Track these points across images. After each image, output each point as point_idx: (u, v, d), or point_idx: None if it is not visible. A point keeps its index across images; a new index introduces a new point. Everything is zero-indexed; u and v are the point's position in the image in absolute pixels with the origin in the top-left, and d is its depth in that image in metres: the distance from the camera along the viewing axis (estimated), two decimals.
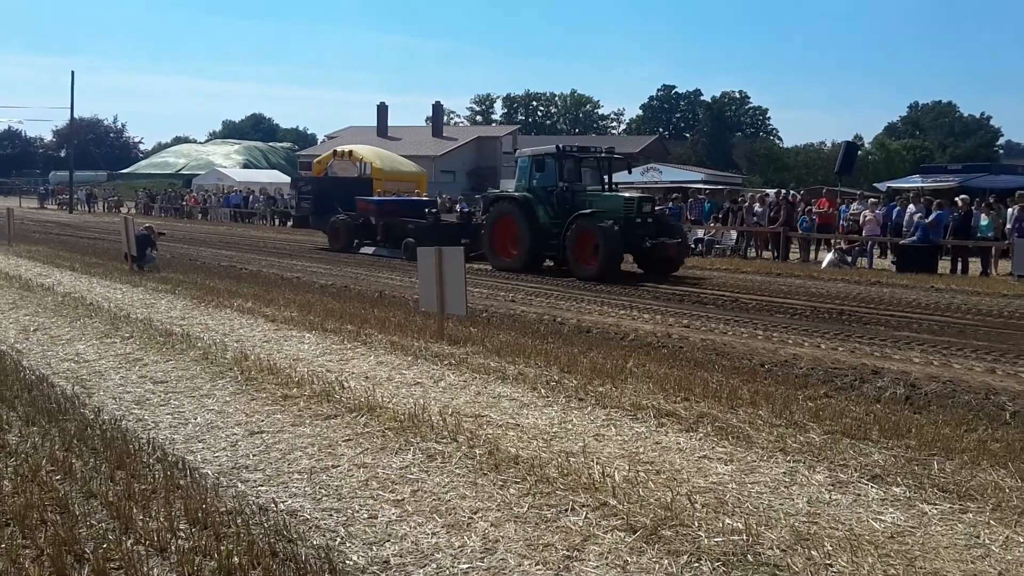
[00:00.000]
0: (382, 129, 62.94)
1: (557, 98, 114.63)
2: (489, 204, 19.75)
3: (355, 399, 6.83)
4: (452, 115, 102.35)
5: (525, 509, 4.62)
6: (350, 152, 30.05)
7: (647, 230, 16.93)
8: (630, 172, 20.32)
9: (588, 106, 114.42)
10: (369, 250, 22.47)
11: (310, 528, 4.41)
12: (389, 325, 10.38)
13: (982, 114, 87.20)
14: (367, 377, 7.74)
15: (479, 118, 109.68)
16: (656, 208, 18.79)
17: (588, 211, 16.78)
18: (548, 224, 17.51)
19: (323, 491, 4.93)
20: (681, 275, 17.28)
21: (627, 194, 19.37)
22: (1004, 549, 4.16)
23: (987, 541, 4.25)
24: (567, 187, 17.76)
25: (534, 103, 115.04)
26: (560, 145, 19.41)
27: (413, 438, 5.85)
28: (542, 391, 7.21)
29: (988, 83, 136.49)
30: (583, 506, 4.63)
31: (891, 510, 4.65)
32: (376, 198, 26.09)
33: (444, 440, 5.79)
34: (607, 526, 4.39)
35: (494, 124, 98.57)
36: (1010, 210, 19.53)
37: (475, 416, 6.46)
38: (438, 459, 5.44)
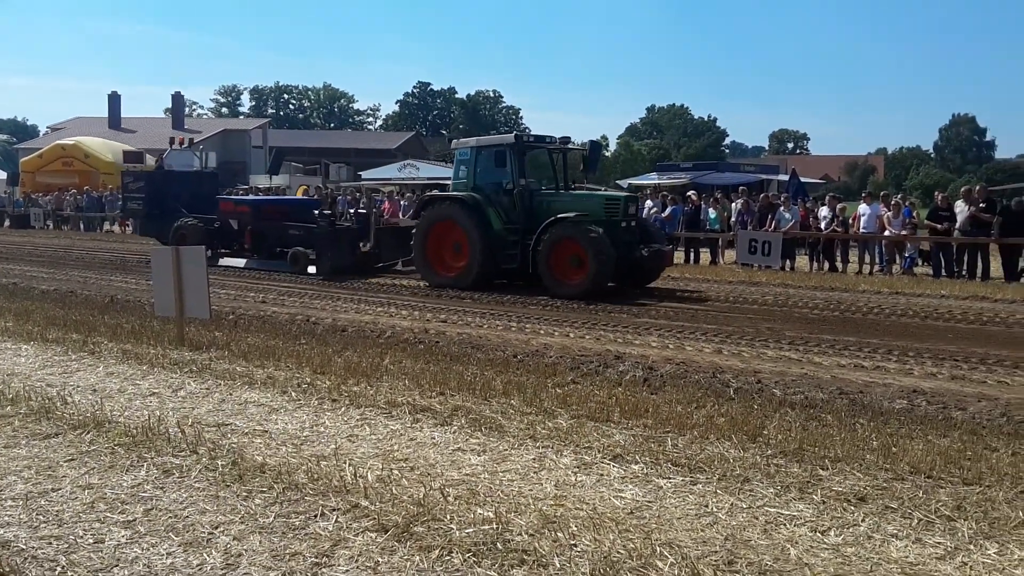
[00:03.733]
0: (114, 120, 58.23)
1: (310, 91, 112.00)
2: (422, 207, 15.98)
3: (80, 415, 6.19)
4: (195, 107, 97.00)
5: (271, 519, 4.39)
6: (190, 140, 23.79)
7: (632, 235, 14.31)
8: (585, 169, 16.96)
9: (343, 100, 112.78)
10: (235, 262, 18.43)
11: (26, 560, 3.92)
12: (122, 332, 9.56)
13: (711, 116, 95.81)
14: (95, 390, 7.06)
15: (225, 110, 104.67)
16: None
17: (569, 215, 13.82)
18: (503, 231, 14.46)
19: (41, 517, 4.41)
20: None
21: (607, 193, 17.01)
22: (729, 515, 4.50)
23: (715, 509, 4.58)
24: (526, 185, 14.75)
25: (285, 96, 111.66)
26: (519, 134, 15.97)
27: (147, 453, 5.39)
28: (293, 394, 6.93)
29: (715, 88, 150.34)
30: (334, 510, 4.47)
31: (631, 487, 4.90)
32: (249, 198, 22.25)
33: (183, 453, 5.38)
34: (358, 528, 4.26)
35: (242, 117, 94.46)
36: (734, 204, 21.76)
37: (218, 425, 6.07)
38: (175, 474, 5.04)
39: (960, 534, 4.24)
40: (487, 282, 14.58)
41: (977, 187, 19.39)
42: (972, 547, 4.10)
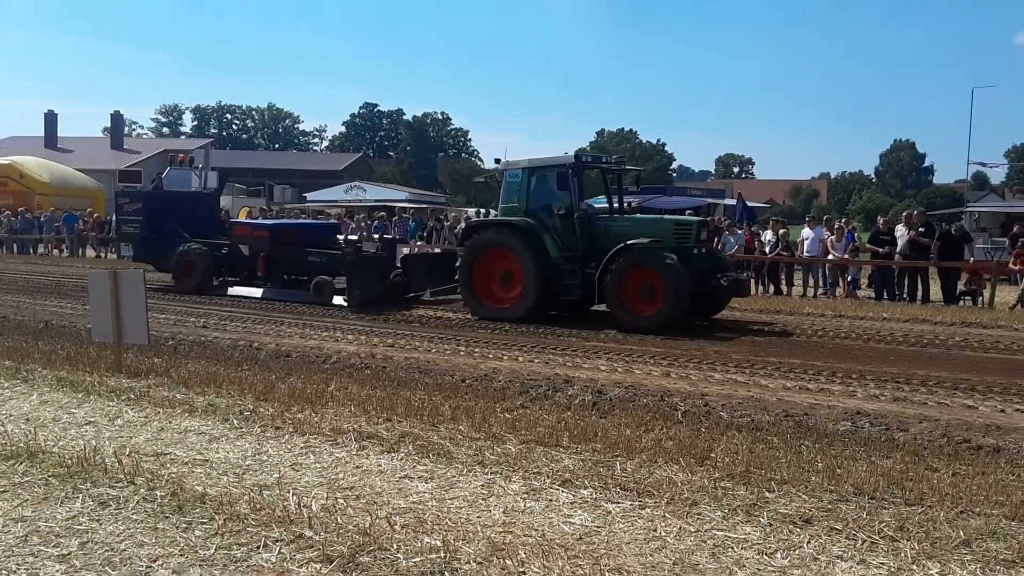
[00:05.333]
0: (50, 140, 57.03)
1: (254, 112, 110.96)
2: (469, 233, 14.81)
3: (12, 445, 5.95)
4: (135, 126, 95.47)
5: (212, 551, 4.25)
6: (191, 159, 21.42)
7: (704, 263, 13.31)
8: (638, 188, 15.77)
9: (288, 121, 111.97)
10: (248, 292, 16.78)
11: None
12: (56, 359, 9.28)
13: (659, 141, 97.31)
14: (28, 419, 6.81)
15: (166, 130, 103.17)
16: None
17: (641, 240, 12.89)
18: (560, 259, 13.43)
19: None
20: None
21: (677, 217, 15.86)
22: (678, 539, 4.49)
23: (663, 533, 4.57)
24: (586, 209, 13.85)
25: (228, 116, 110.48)
26: (579, 153, 14.50)
27: (83, 484, 5.19)
28: (235, 422, 6.77)
29: (663, 113, 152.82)
30: (277, 540, 4.35)
31: (580, 512, 4.87)
32: (268, 222, 20.36)
33: (120, 484, 5.19)
34: (302, 559, 4.15)
35: (183, 137, 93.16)
36: None
37: (157, 454, 5.89)
38: (112, 505, 4.87)
39: (903, 554, 4.29)
40: (541, 314, 13.59)
41: (916, 212, 19.95)
42: (915, 567, 4.15)
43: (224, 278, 17.73)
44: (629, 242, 12.84)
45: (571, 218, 13.51)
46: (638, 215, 15.18)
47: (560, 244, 13.47)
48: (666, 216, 15.77)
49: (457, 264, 14.69)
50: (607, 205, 15.16)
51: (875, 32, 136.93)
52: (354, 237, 16.92)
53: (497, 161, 14.99)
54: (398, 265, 16.70)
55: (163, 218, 18.52)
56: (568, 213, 13.55)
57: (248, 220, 20.28)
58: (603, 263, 12.85)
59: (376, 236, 18.35)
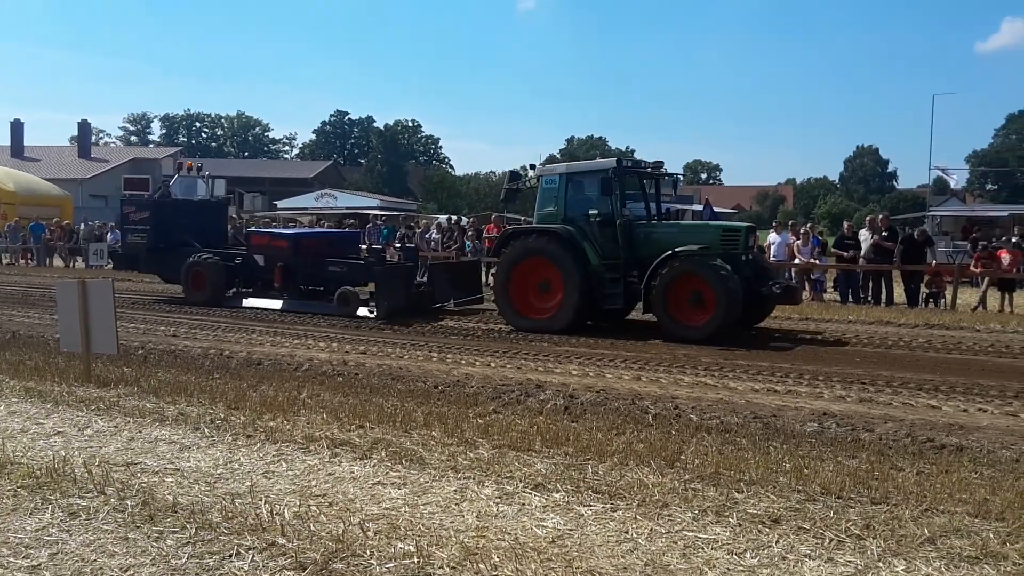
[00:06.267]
0: (16, 149, 56.14)
1: (224, 120, 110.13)
2: (504, 241, 14.12)
3: None
4: (102, 135, 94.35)
5: (184, 560, 4.24)
6: (199, 167, 20.60)
7: (752, 270, 12.90)
8: (675, 193, 15.39)
9: (257, 129, 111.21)
10: (266, 304, 16.13)
11: None
12: (24, 369, 9.17)
13: (628, 148, 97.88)
14: None
15: (134, 139, 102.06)
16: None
17: (691, 248, 12.41)
18: (600, 267, 13.04)
19: None
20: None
21: (724, 223, 15.47)
22: (649, 541, 4.55)
23: (635, 535, 4.62)
24: (628, 216, 13.42)
25: (197, 124, 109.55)
26: (620, 158, 14.02)
27: (52, 495, 5.15)
28: (206, 431, 6.74)
29: (632, 120, 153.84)
30: (249, 549, 4.35)
31: (552, 515, 4.91)
32: (288, 231, 19.66)
33: (90, 494, 5.16)
34: (275, 567, 4.15)
35: (152, 146, 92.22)
36: None
37: (127, 464, 5.86)
38: (82, 516, 4.84)
39: (869, 552, 4.37)
40: (582, 325, 13.20)
41: (880, 216, 20.25)
42: (881, 564, 4.24)
43: (238, 289, 17.21)
44: (677, 249, 12.39)
45: (612, 225, 13.18)
46: (682, 222, 14.47)
47: (600, 252, 13.10)
48: (711, 223, 15.35)
49: (492, 273, 14.03)
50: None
51: (839, 40, 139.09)
52: (378, 246, 16.37)
53: (531, 167, 14.66)
54: (420, 276, 16.26)
55: (172, 227, 17.98)
56: (608, 220, 13.21)
57: (265, 230, 19.55)
58: (649, 271, 12.45)
59: (397, 245, 17.73)
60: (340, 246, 17.03)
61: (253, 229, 19.44)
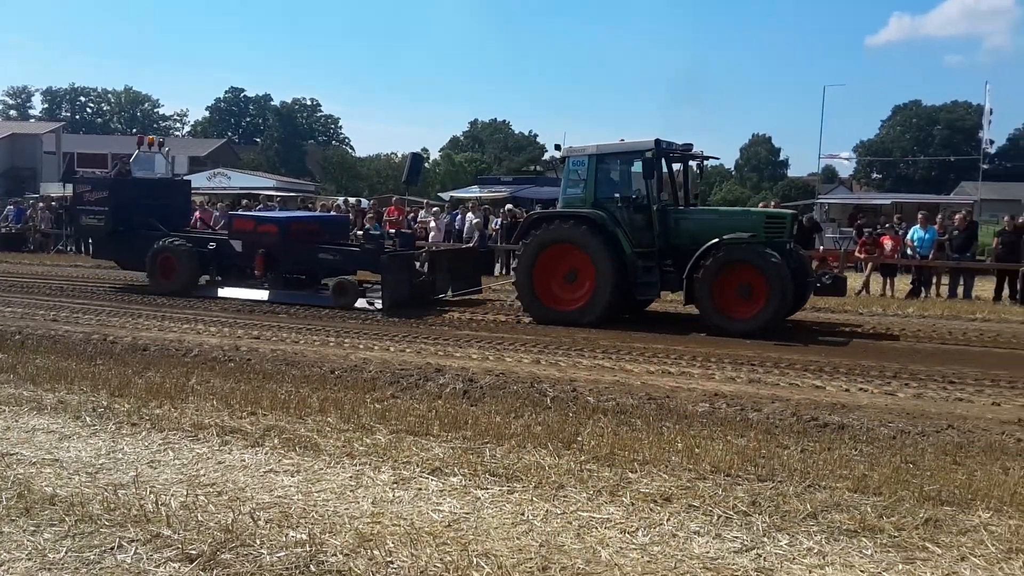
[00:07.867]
0: None
1: (110, 95, 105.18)
2: (529, 227, 13.07)
3: None
4: None
5: (63, 554, 4.04)
6: (160, 142, 18.34)
7: (795, 260, 12.23)
8: (701, 175, 14.11)
9: (146, 105, 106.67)
10: (249, 294, 14.64)
11: None
12: None
13: (531, 132, 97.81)
14: None
15: (13, 112, 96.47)
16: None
17: (740, 235, 11.70)
18: (633, 256, 12.17)
19: None
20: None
21: (767, 210, 14.66)
22: (544, 522, 4.58)
23: (531, 517, 4.65)
24: (665, 201, 12.62)
25: (82, 98, 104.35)
26: (659, 139, 12.52)
27: None
28: (87, 419, 6.44)
29: (536, 104, 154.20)
30: (132, 541, 4.17)
31: (449, 499, 4.89)
32: (277, 215, 17.63)
33: None
34: (160, 559, 4.00)
35: (32, 120, 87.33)
36: None
37: (2, 455, 5.55)
38: None
39: (755, 528, 4.52)
40: (615, 318, 12.38)
41: (772, 203, 20.96)
42: (766, 539, 4.39)
43: (212, 277, 15.68)
44: (725, 237, 11.67)
45: (646, 210, 12.34)
46: (720, 207, 13.68)
47: (633, 239, 12.29)
48: (752, 209, 14.47)
49: (515, 264, 13.36)
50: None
51: (735, 31, 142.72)
52: (376, 232, 15.19)
53: (558, 147, 13.65)
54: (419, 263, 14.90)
55: (133, 209, 16.13)
56: (643, 205, 12.39)
57: (251, 214, 17.92)
58: (692, 261, 11.69)
59: (390, 231, 16.17)
60: (331, 232, 15.80)
61: (235, 212, 17.99)
